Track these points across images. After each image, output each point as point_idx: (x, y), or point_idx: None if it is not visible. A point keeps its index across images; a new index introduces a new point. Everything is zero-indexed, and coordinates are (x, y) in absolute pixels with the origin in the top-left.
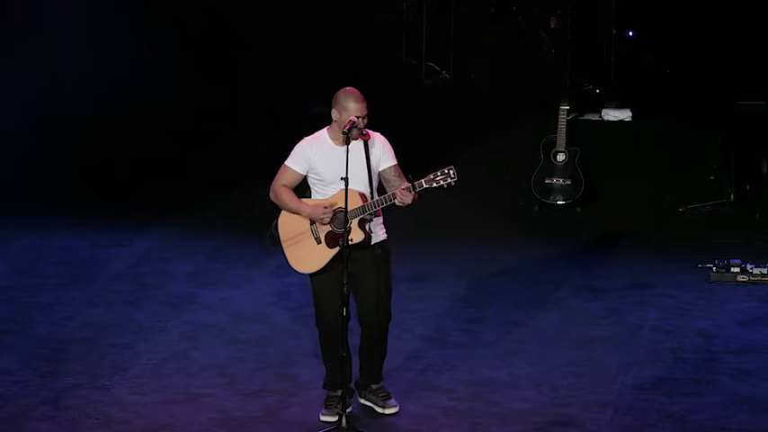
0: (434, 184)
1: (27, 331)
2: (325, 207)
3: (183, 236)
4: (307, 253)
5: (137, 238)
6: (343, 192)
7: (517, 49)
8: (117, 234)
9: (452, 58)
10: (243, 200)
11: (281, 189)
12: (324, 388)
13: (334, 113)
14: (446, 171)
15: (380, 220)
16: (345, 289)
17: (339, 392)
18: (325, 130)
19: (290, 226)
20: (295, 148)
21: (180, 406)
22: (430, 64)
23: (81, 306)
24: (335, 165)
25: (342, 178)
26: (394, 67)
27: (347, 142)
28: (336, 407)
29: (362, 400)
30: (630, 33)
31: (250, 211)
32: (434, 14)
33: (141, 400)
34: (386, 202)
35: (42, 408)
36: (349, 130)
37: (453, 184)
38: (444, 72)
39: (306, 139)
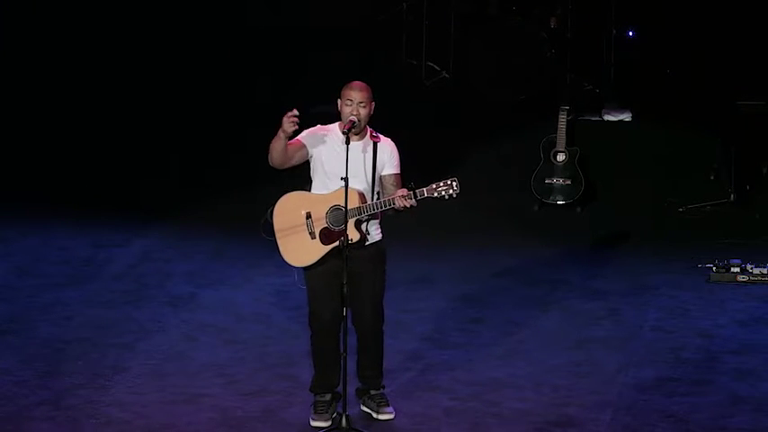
0: (435, 194)
1: (27, 331)
2: (290, 115)
3: (183, 236)
4: (299, 246)
5: (137, 238)
6: (343, 190)
7: (517, 49)
8: (117, 234)
9: (452, 58)
10: (242, 200)
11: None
12: (310, 391)
13: (339, 104)
14: (449, 182)
15: (377, 220)
16: (345, 289)
17: (327, 397)
18: (337, 123)
19: (285, 217)
20: (309, 129)
21: (180, 406)
22: (430, 64)
23: (81, 306)
24: (341, 160)
25: (342, 178)
26: (394, 67)
27: (347, 142)
28: (327, 411)
29: (363, 407)
30: (630, 33)
31: (250, 211)
32: (434, 14)
33: (141, 400)
34: (385, 206)
35: (42, 408)
36: (349, 130)
37: (455, 195)
38: (444, 72)
39: (319, 126)
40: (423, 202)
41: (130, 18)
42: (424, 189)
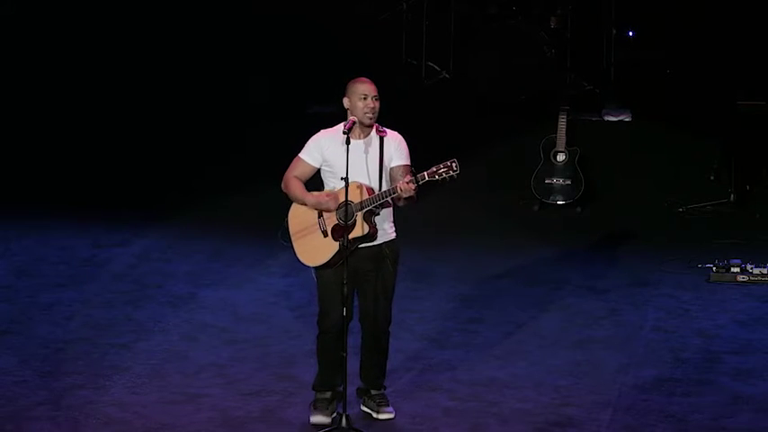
0: (437, 177)
1: (27, 331)
2: (328, 195)
3: (183, 236)
4: (313, 246)
5: (137, 238)
6: (352, 185)
7: (517, 49)
8: (117, 234)
9: (452, 58)
10: (242, 200)
11: (291, 179)
12: (312, 389)
13: (346, 101)
14: (449, 164)
15: (390, 217)
16: (346, 289)
17: (328, 395)
18: (342, 123)
19: (299, 219)
20: (310, 139)
21: (180, 406)
22: (430, 64)
23: (81, 306)
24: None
25: (342, 178)
26: (394, 66)
27: (347, 142)
28: (327, 408)
29: (363, 407)
30: (630, 33)
31: (250, 211)
32: (434, 14)
33: (141, 400)
34: (389, 195)
35: (42, 408)
36: (349, 129)
37: (456, 177)
38: (444, 72)
39: (322, 131)
40: (423, 202)
41: (129, 18)
42: (425, 173)
